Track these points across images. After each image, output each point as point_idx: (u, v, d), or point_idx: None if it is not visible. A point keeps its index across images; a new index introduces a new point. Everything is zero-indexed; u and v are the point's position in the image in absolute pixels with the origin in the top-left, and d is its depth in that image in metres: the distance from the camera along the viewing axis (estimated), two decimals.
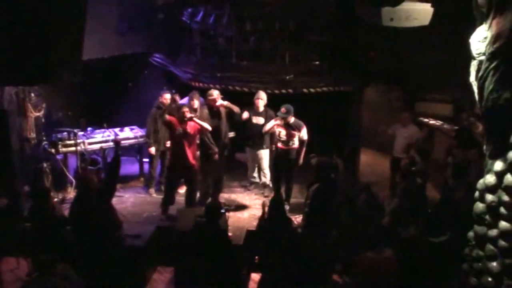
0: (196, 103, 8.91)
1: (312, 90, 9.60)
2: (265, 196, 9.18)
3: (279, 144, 8.73)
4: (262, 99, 8.91)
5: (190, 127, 8.11)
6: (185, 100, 9.15)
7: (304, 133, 8.57)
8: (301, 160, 8.73)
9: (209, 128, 8.34)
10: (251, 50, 9.94)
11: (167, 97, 9.20)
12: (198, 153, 8.54)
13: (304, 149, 8.66)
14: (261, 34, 9.80)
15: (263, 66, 9.85)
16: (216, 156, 8.66)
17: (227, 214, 7.55)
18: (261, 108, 8.93)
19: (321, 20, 9.86)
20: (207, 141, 8.51)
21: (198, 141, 8.51)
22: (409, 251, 5.94)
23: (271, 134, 8.94)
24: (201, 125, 8.17)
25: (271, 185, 9.31)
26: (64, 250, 5.90)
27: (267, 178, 9.29)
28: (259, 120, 8.94)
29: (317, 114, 9.42)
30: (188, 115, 8.07)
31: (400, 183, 6.96)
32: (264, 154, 9.13)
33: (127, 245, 6.72)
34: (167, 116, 8.19)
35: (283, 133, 8.61)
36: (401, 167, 7.40)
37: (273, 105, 8.86)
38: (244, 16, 9.88)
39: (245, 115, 8.83)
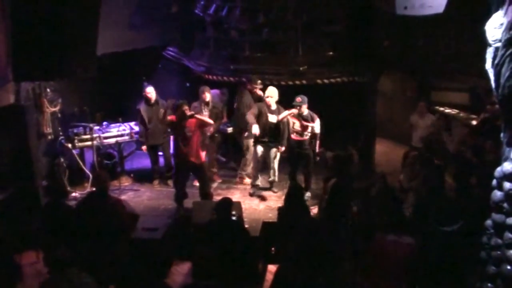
0: (208, 96, 8.92)
1: (326, 80, 9.57)
2: (274, 192, 9.10)
3: (293, 136, 8.65)
4: (272, 96, 8.64)
5: (192, 123, 8.05)
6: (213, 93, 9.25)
7: (317, 125, 8.44)
8: (317, 151, 8.60)
9: (212, 122, 8.33)
10: (264, 42, 9.93)
11: (149, 90, 9.15)
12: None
13: (317, 142, 8.56)
14: (274, 26, 9.77)
15: (277, 58, 9.84)
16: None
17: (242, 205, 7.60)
18: (274, 106, 8.67)
19: (334, 10, 9.82)
20: None
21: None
22: (426, 239, 5.91)
23: (283, 132, 8.74)
24: (203, 121, 8.16)
25: (277, 179, 9.12)
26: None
27: (276, 176, 9.08)
28: (272, 118, 8.81)
29: (331, 105, 9.37)
30: (189, 112, 8.00)
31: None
32: (276, 153, 8.88)
33: (145, 238, 6.77)
34: (168, 117, 8.24)
35: (297, 124, 8.54)
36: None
37: (287, 97, 8.80)
38: (257, 8, 9.88)
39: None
